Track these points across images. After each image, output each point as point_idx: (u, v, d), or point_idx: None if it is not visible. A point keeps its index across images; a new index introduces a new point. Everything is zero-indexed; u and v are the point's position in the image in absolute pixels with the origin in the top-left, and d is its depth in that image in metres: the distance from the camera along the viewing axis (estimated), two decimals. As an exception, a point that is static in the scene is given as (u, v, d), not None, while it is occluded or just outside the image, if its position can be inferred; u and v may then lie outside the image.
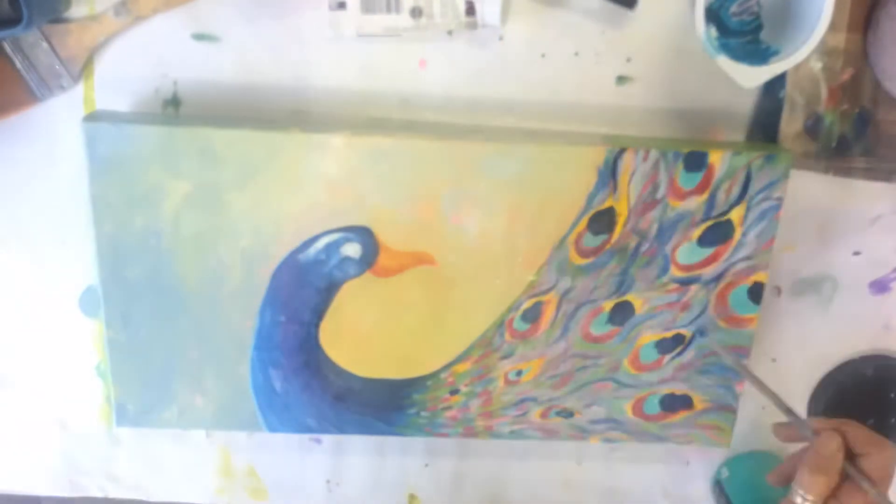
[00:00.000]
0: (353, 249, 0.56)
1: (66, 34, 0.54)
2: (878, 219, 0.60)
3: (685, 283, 0.58)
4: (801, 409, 0.66)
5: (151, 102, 0.57)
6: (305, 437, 0.66)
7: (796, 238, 0.61)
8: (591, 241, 0.57)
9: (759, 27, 0.55)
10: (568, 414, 0.62)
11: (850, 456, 0.49)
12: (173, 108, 0.57)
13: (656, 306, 0.59)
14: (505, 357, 0.60)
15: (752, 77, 0.53)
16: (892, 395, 0.65)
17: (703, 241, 0.57)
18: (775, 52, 0.53)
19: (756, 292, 0.58)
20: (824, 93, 0.57)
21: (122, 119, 0.54)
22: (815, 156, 0.58)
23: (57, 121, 0.57)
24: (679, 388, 0.61)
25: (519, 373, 0.60)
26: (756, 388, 0.55)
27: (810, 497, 0.48)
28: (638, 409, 0.62)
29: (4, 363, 0.63)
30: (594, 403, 0.61)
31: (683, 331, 0.59)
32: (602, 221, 0.56)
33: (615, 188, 0.55)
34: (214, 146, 0.53)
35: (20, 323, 0.62)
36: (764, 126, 0.58)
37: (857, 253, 0.61)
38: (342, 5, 0.52)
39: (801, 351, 0.64)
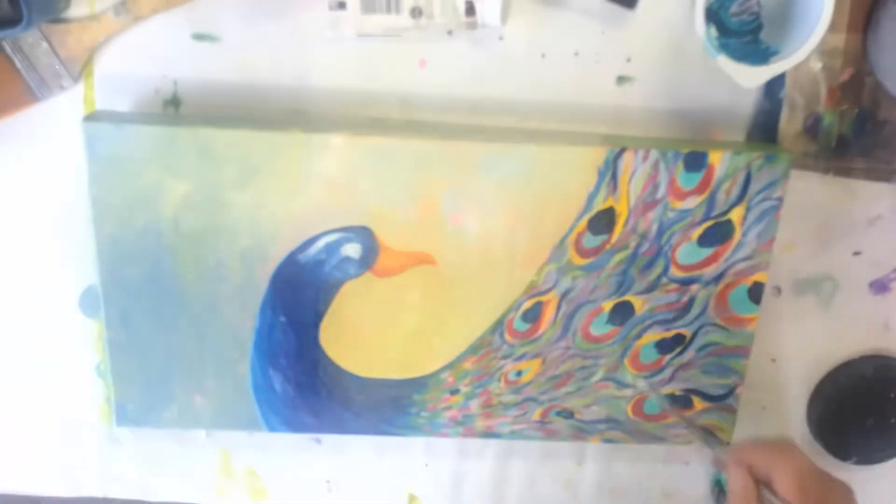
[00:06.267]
0: (352, 249, 0.56)
1: (66, 34, 0.54)
2: (877, 219, 0.60)
3: (685, 283, 0.58)
4: (800, 409, 0.66)
5: (151, 102, 0.57)
6: (305, 436, 0.66)
7: (796, 238, 0.61)
8: (591, 241, 0.57)
9: (759, 27, 0.55)
10: (568, 414, 0.62)
11: (765, 479, 0.50)
12: (173, 108, 0.57)
13: (656, 306, 0.59)
14: (505, 357, 0.60)
15: (752, 77, 0.53)
16: (893, 395, 0.65)
17: (702, 241, 0.57)
18: (775, 52, 0.53)
19: (756, 292, 0.58)
20: (824, 93, 0.57)
21: (122, 119, 0.54)
22: (815, 156, 0.58)
23: (57, 121, 0.57)
24: (679, 389, 0.61)
25: (519, 373, 0.60)
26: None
27: None
28: (638, 409, 0.62)
29: (4, 363, 0.63)
30: (594, 403, 0.61)
31: (683, 331, 0.59)
32: (602, 221, 0.56)
33: (615, 188, 0.55)
34: (214, 146, 0.53)
35: (20, 323, 0.62)
36: (764, 126, 0.58)
37: (857, 253, 0.61)
38: (342, 5, 0.52)
39: (801, 351, 0.64)
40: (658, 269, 0.58)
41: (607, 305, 0.58)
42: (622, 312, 0.59)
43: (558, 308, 0.58)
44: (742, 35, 0.55)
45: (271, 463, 0.67)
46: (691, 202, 0.56)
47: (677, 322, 0.59)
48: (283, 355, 0.59)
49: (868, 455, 0.67)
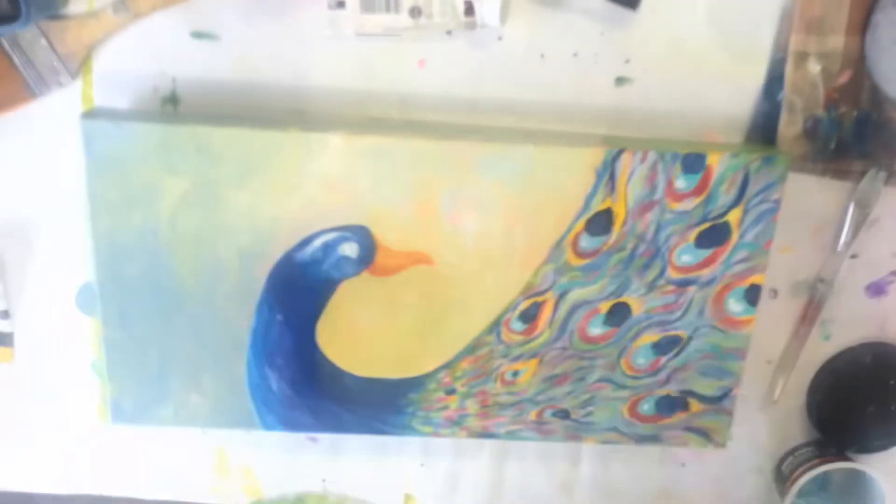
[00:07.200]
0: (350, 248, 0.56)
1: (65, 31, 0.54)
2: (875, 221, 0.60)
3: (682, 284, 0.58)
4: (798, 410, 0.66)
5: (150, 100, 0.57)
6: (301, 435, 0.66)
7: (793, 240, 0.61)
8: (588, 241, 0.57)
9: None
10: (564, 415, 0.62)
11: None
12: (171, 106, 0.57)
13: (653, 308, 0.59)
14: (502, 357, 0.60)
15: None
16: (892, 383, 0.64)
17: (700, 242, 0.57)
18: None
19: (753, 294, 0.58)
20: (823, 95, 0.57)
21: (120, 116, 0.53)
22: (813, 158, 0.58)
23: (55, 118, 0.56)
24: (675, 390, 0.61)
25: (515, 373, 0.60)
26: None
27: None
28: (634, 410, 0.62)
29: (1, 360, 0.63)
30: (590, 404, 0.61)
31: (680, 332, 0.59)
32: (600, 222, 0.56)
33: (613, 189, 0.55)
34: (213, 144, 0.53)
35: (17, 320, 0.62)
36: (763, 128, 0.58)
37: (854, 256, 0.61)
38: (341, 4, 0.52)
39: (797, 353, 0.64)
40: (655, 271, 0.58)
41: (604, 306, 0.58)
42: (619, 313, 0.59)
43: (555, 309, 0.58)
44: None
45: (267, 461, 0.67)
46: (689, 203, 0.56)
47: (674, 323, 0.59)
48: (280, 354, 0.58)
49: (868, 444, 0.66)
